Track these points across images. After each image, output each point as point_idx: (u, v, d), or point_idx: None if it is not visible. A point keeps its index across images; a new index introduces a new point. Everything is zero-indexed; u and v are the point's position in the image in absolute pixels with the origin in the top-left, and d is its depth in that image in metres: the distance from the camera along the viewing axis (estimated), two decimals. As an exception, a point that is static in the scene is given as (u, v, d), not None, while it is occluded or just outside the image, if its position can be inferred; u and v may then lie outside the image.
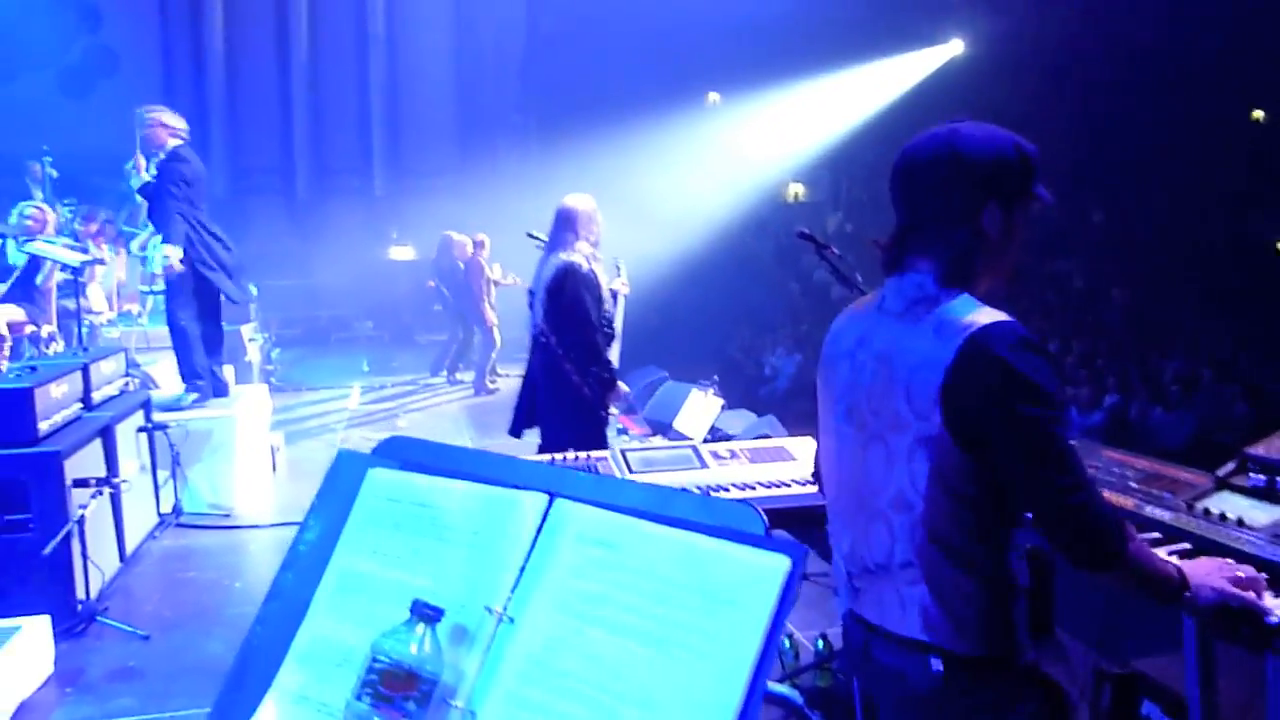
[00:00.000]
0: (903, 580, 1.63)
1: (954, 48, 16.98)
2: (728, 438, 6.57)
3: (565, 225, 4.57)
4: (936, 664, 1.62)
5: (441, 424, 8.43)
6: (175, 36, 15.43)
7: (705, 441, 6.50)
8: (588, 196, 4.67)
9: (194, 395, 5.97)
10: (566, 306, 4.43)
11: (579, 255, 4.49)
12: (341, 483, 1.25)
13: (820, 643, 3.50)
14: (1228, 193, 16.86)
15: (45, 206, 7.37)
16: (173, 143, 5.85)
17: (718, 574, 0.94)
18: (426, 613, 1.00)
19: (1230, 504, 2.25)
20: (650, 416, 7.58)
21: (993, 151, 1.65)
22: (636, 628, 0.95)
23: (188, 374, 5.99)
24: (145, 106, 5.92)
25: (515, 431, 4.83)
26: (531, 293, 4.69)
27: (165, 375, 7.07)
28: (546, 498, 1.07)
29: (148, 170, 5.99)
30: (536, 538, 1.05)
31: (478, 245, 10.14)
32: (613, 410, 4.98)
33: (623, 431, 7.54)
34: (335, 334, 14.22)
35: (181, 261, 5.75)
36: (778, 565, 0.92)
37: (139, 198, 6.50)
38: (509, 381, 10.37)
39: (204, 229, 5.85)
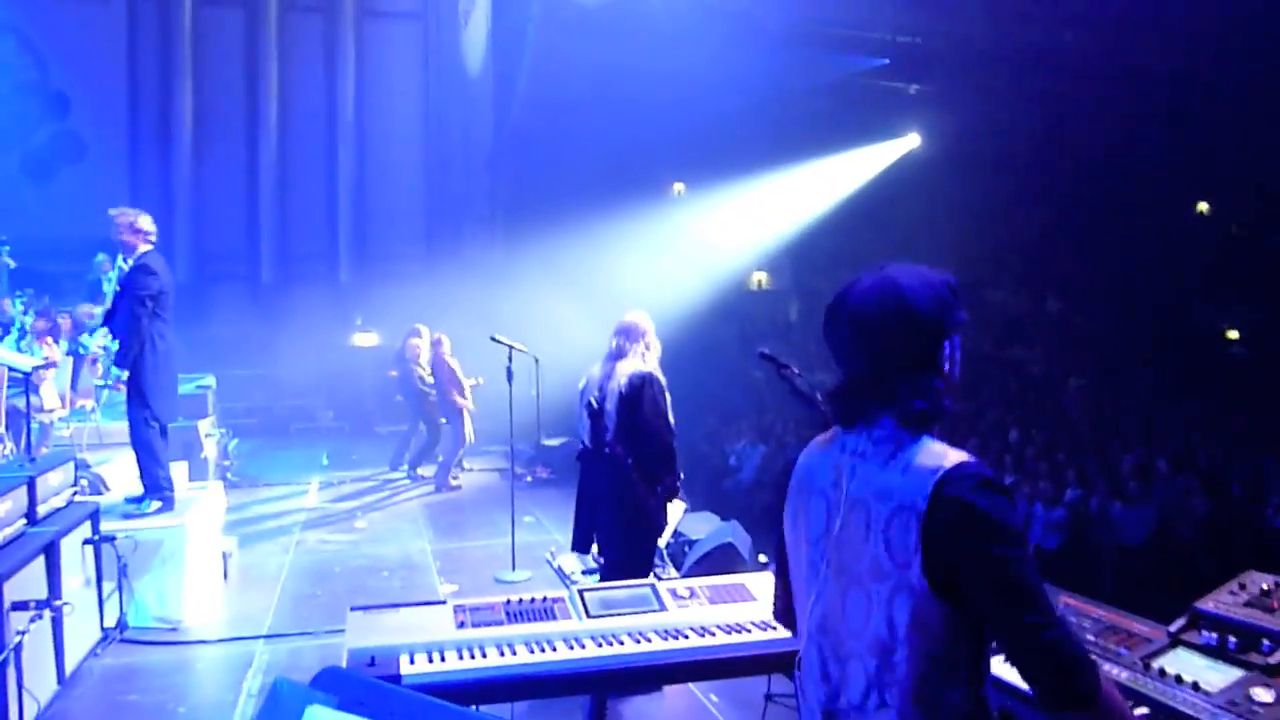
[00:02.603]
0: None
1: (911, 141, 17.50)
2: (691, 543, 6.53)
3: (633, 336, 4.67)
4: None
5: (401, 525, 8.26)
6: (143, 123, 15.48)
7: (668, 547, 6.50)
8: (645, 312, 4.82)
9: (157, 504, 5.79)
10: (646, 415, 4.49)
11: (649, 365, 4.61)
12: (278, 717, 1.20)
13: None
14: (1177, 283, 17.36)
15: None
16: (143, 248, 5.73)
17: None
18: None
19: (1185, 664, 2.25)
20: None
21: (935, 296, 1.73)
22: None
23: (152, 485, 5.81)
24: (117, 209, 5.82)
25: (582, 547, 4.87)
26: (591, 405, 4.66)
27: (118, 475, 6.91)
28: (486, 758, 1.04)
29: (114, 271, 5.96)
30: (474, 807, 1.01)
31: (436, 343, 9.93)
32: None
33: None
34: (295, 424, 14.00)
35: (136, 377, 5.64)
36: None
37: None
38: (472, 477, 10.26)
39: (162, 341, 5.71)
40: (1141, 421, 13.14)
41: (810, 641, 1.82)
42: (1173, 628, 2.41)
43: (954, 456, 1.64)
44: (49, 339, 8.12)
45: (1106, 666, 2.32)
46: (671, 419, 4.62)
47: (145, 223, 5.79)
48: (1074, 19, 14.63)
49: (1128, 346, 16.56)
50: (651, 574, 4.79)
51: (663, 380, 4.64)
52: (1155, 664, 2.28)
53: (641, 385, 4.52)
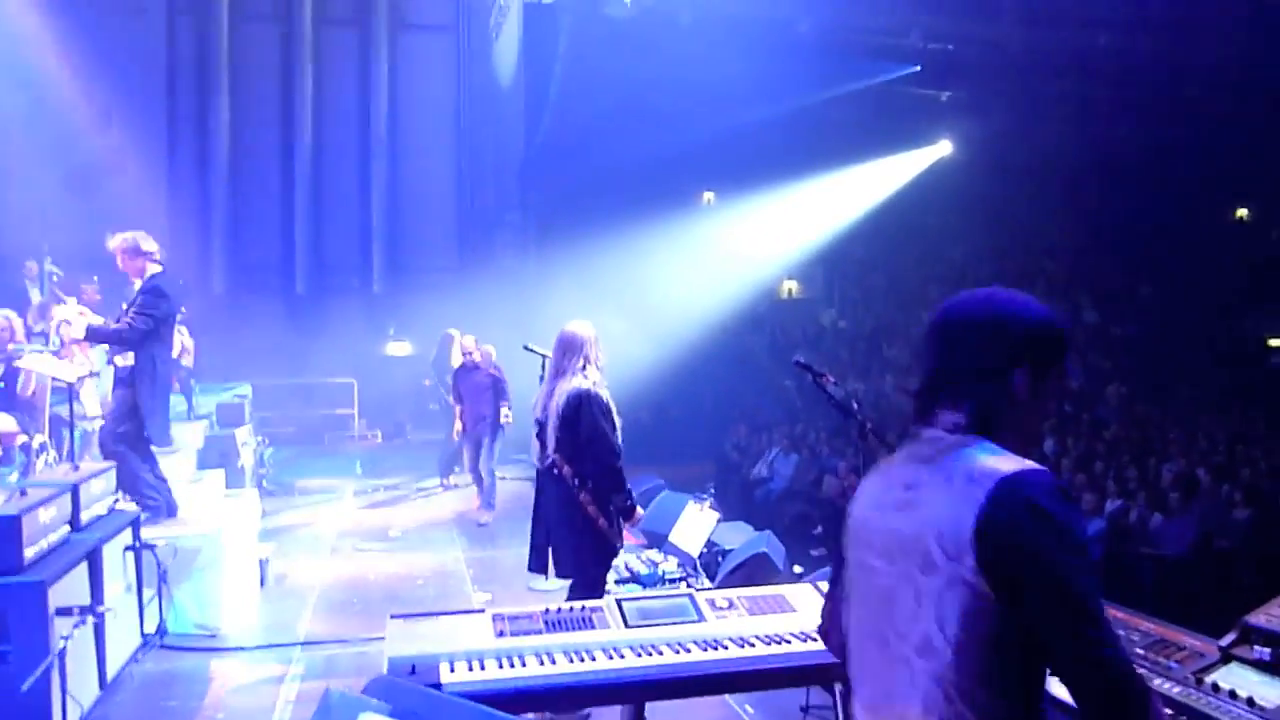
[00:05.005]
0: None
1: (942, 149, 17.41)
2: (724, 552, 6.50)
3: (572, 351, 4.48)
4: None
5: (434, 534, 8.30)
6: (181, 137, 15.76)
7: (701, 556, 6.48)
8: (588, 322, 4.62)
9: (145, 514, 5.75)
10: (584, 435, 4.33)
11: (590, 381, 4.43)
12: (329, 724, 1.20)
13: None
14: (1219, 291, 17.07)
15: (11, 314, 7.31)
16: (152, 269, 5.70)
17: None
18: None
19: (1239, 679, 2.20)
20: (646, 527, 7.48)
21: (1031, 318, 1.70)
22: None
23: (134, 493, 5.79)
24: (113, 237, 5.74)
25: (538, 567, 4.70)
26: (539, 423, 4.55)
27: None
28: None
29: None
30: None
31: (485, 354, 9.53)
32: (628, 538, 4.92)
33: (617, 542, 7.45)
34: (329, 433, 14.15)
35: (131, 397, 5.67)
36: None
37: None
38: (504, 485, 10.22)
39: (163, 365, 5.75)
40: (1182, 432, 12.91)
41: (857, 652, 1.76)
42: (1223, 642, 2.36)
43: (1018, 462, 1.58)
44: (83, 345, 8.20)
45: (1156, 681, 2.28)
46: (617, 438, 4.45)
47: (147, 243, 5.70)
48: (1108, 22, 14.46)
49: (1167, 356, 16.30)
50: (604, 595, 4.53)
51: (605, 396, 4.45)
52: (1208, 679, 2.23)
53: (579, 404, 4.35)
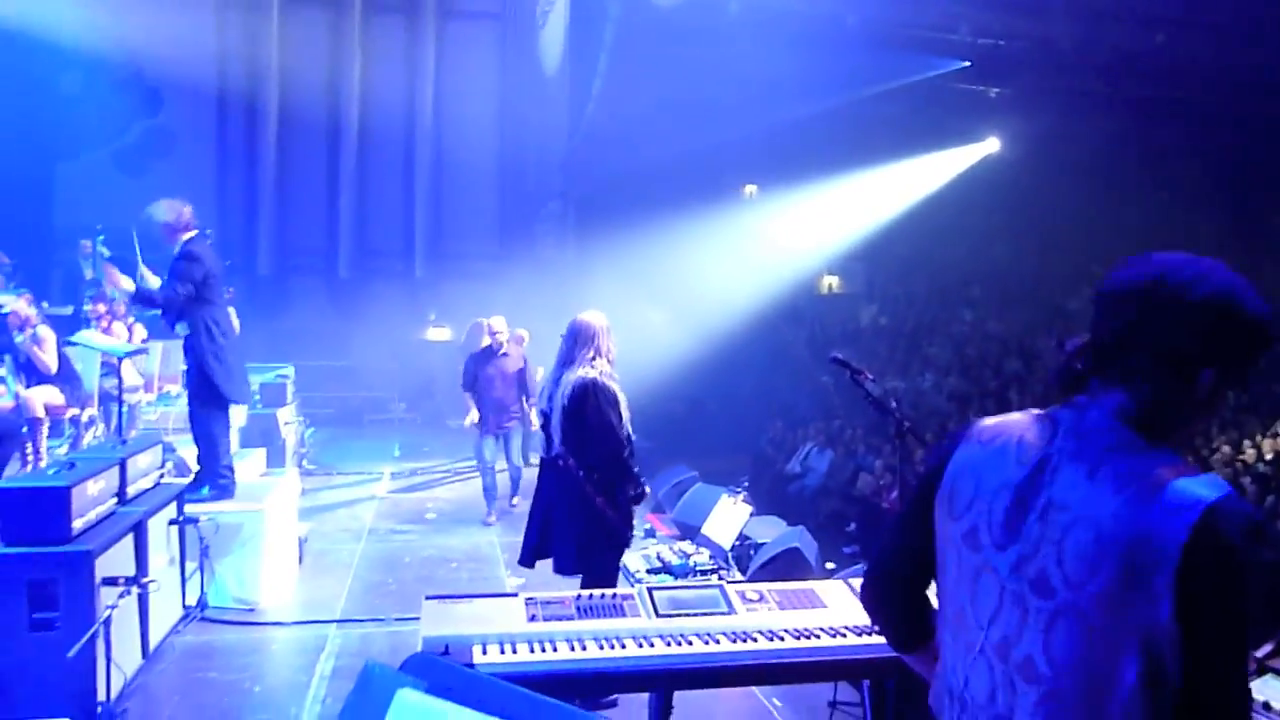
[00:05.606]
0: None
1: (990, 146, 17.16)
2: (757, 546, 6.51)
3: (581, 341, 4.44)
4: None
5: (469, 517, 8.38)
6: (230, 120, 16.00)
7: (733, 549, 6.49)
8: (601, 312, 4.59)
9: (213, 491, 5.91)
10: (591, 425, 4.28)
11: (597, 371, 4.38)
12: (370, 699, 1.24)
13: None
14: (1267, 296, 16.67)
15: (14, 301, 7.43)
16: (185, 235, 5.72)
17: None
18: None
19: (1274, 691, 2.18)
20: (678, 518, 7.54)
21: (1251, 312, 1.47)
22: None
23: (210, 473, 5.91)
24: (150, 206, 5.78)
25: (527, 562, 4.65)
26: (545, 413, 4.53)
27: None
28: (571, 748, 1.06)
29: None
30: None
31: (518, 339, 9.22)
32: (661, 529, 4.85)
33: (650, 533, 7.50)
34: (369, 415, 14.35)
35: (201, 367, 5.73)
36: None
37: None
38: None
39: (216, 328, 5.76)
40: (1226, 441, 12.66)
41: (975, 663, 1.56)
42: (1260, 653, 2.33)
43: (1213, 485, 1.39)
44: (107, 319, 8.41)
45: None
46: (627, 429, 4.36)
47: (169, 215, 5.70)
48: (1162, 20, 14.15)
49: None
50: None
51: (614, 387, 4.38)
52: (1242, 690, 2.21)
53: (584, 395, 4.27)
